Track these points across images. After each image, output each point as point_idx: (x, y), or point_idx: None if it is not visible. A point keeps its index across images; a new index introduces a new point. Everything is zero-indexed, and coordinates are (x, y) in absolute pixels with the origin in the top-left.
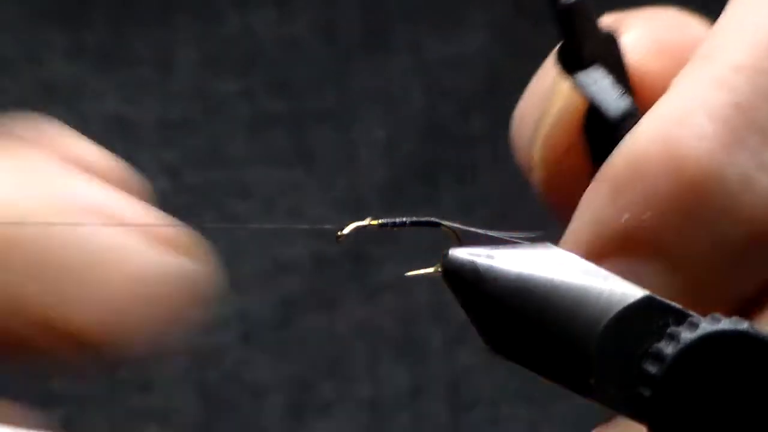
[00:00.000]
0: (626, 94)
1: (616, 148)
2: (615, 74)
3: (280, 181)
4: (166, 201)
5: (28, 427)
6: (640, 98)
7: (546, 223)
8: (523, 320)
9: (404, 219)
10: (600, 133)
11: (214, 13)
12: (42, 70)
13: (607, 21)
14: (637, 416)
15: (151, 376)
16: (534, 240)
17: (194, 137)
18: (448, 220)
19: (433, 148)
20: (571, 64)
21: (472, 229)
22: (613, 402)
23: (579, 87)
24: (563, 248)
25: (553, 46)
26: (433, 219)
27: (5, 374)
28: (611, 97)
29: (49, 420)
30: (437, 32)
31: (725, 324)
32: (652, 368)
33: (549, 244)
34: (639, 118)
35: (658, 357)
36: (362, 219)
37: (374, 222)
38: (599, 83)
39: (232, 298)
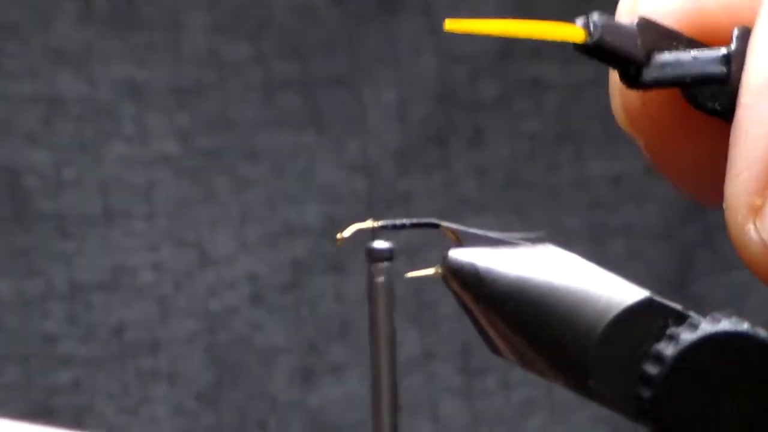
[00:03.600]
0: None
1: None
2: (674, 43)
3: (292, 144)
4: (176, 165)
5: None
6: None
7: (553, 195)
8: (523, 322)
9: (404, 221)
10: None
11: None
12: (52, 35)
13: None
14: (637, 417)
15: (159, 338)
16: (534, 240)
17: (205, 101)
18: (460, 185)
19: (445, 112)
20: (635, 80)
21: (472, 230)
22: (614, 403)
23: (665, 80)
24: (729, 194)
25: (566, 11)
26: (433, 220)
27: (12, 340)
28: (700, 63)
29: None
30: None
31: (725, 325)
32: (652, 369)
33: (549, 245)
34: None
35: (658, 358)
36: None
37: (375, 223)
38: (676, 62)
39: (242, 259)
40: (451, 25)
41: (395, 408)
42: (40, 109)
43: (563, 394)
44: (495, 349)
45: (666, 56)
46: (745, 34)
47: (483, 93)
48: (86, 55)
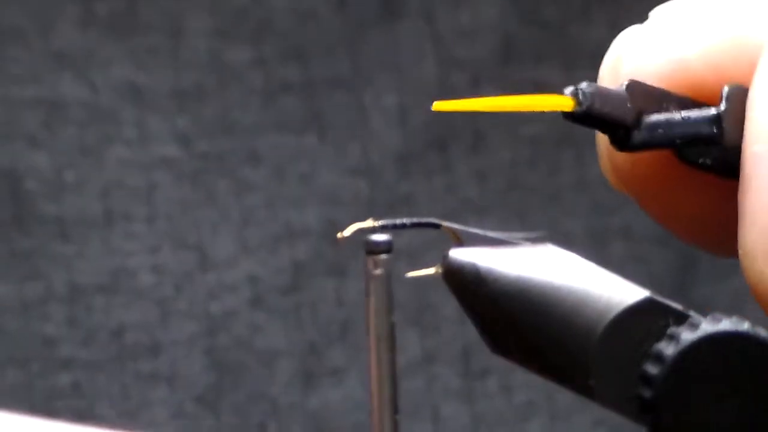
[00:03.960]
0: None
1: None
2: (665, 103)
3: (293, 148)
4: (177, 168)
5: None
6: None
7: (554, 198)
8: (523, 322)
9: (404, 220)
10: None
11: None
12: (53, 39)
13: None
14: (638, 417)
15: (159, 340)
16: (535, 240)
17: (206, 105)
18: (462, 189)
19: (446, 116)
20: (625, 143)
21: (473, 230)
22: (614, 403)
23: (655, 142)
24: (746, 241)
25: (565, 17)
26: (433, 220)
27: (12, 343)
28: (690, 124)
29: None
30: (450, 1)
31: (725, 324)
32: (652, 369)
33: (549, 245)
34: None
35: (659, 358)
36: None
37: (375, 223)
38: (666, 124)
39: (243, 262)
40: (440, 106)
41: (395, 406)
42: (41, 112)
43: (564, 397)
44: (495, 349)
45: (655, 118)
46: (737, 93)
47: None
48: (87, 58)
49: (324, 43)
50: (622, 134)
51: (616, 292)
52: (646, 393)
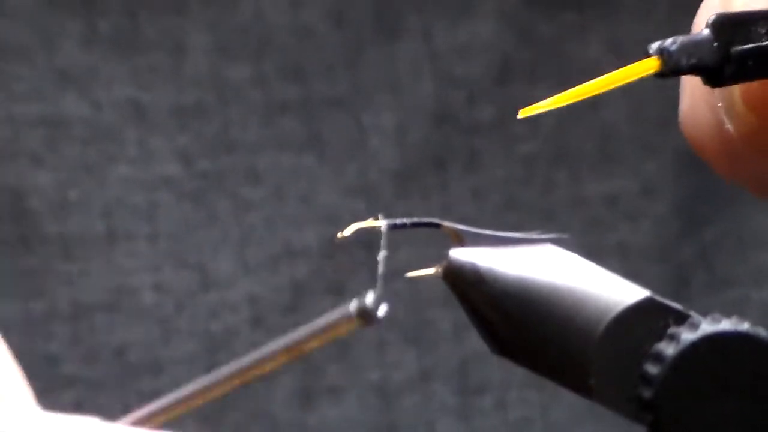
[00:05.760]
0: None
1: None
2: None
3: (292, 167)
4: (178, 187)
5: None
6: None
7: (549, 215)
8: (524, 321)
9: (405, 220)
10: None
11: (227, 0)
12: (56, 57)
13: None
14: (637, 417)
15: (161, 359)
16: (535, 241)
17: (207, 123)
18: (458, 207)
19: (443, 135)
20: (718, 81)
21: (473, 230)
22: (614, 403)
23: (747, 75)
24: None
25: (561, 36)
26: (434, 220)
27: (15, 361)
28: None
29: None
30: (447, 20)
31: (725, 325)
32: (652, 369)
33: (550, 245)
34: None
35: (659, 358)
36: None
37: (376, 222)
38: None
39: (243, 282)
40: (526, 112)
41: None
42: (44, 130)
43: (559, 412)
44: (495, 349)
45: (743, 48)
46: None
47: (480, 116)
48: (90, 77)
49: (323, 62)
50: (714, 73)
51: (616, 291)
52: (646, 393)
